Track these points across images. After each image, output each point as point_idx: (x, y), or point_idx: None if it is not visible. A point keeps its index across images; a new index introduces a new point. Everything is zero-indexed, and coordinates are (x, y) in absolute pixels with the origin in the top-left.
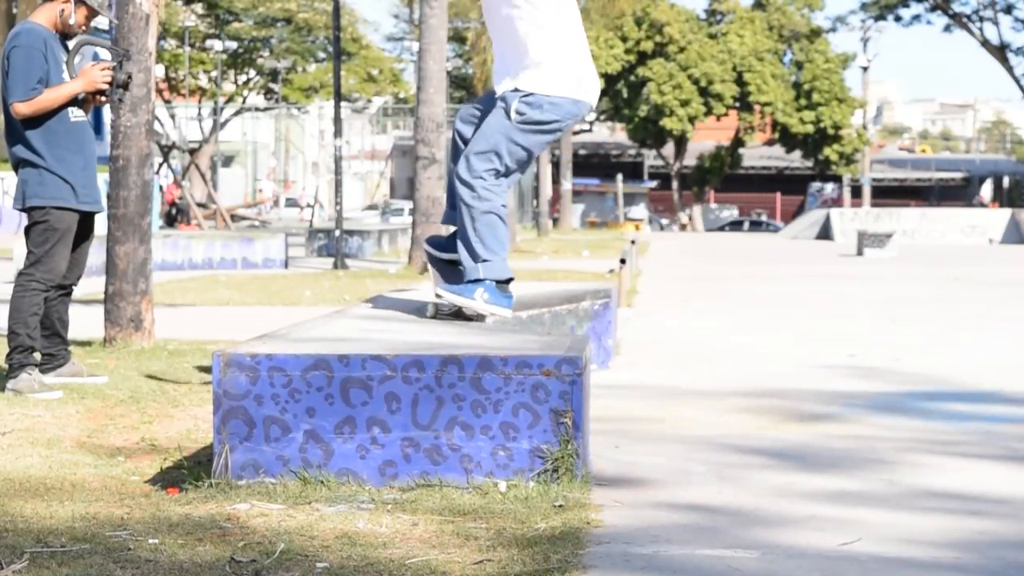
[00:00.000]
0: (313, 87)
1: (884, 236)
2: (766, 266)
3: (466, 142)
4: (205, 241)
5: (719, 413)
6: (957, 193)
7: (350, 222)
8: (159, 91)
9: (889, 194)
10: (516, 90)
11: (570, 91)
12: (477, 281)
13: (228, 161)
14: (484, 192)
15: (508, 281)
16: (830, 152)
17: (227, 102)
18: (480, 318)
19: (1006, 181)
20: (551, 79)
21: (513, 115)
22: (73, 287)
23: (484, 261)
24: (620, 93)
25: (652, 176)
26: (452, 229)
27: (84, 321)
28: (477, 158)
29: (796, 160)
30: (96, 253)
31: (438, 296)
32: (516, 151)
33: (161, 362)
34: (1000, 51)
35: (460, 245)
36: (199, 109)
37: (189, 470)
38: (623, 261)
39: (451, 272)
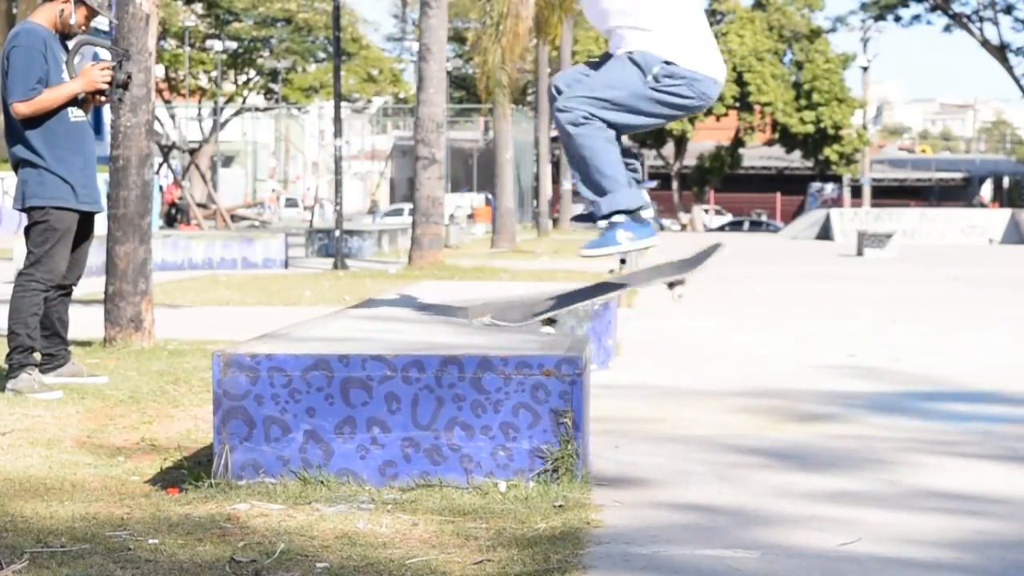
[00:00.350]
0: (313, 87)
1: (884, 236)
2: (766, 266)
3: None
4: (205, 241)
5: (719, 413)
6: (957, 193)
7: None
8: (159, 91)
9: (889, 194)
10: (656, 55)
11: (715, 70)
12: (611, 225)
13: (228, 161)
14: (584, 120)
15: (639, 209)
16: (830, 152)
17: (227, 102)
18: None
19: (1006, 181)
20: (696, 54)
21: (650, 79)
22: (73, 287)
23: (607, 194)
24: None
25: (652, 176)
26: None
27: (84, 321)
28: (592, 102)
29: (796, 160)
30: (96, 253)
31: (584, 257)
32: (632, 117)
33: (161, 362)
34: (1000, 51)
35: (579, 184)
36: (199, 109)
37: (189, 470)
38: (623, 261)
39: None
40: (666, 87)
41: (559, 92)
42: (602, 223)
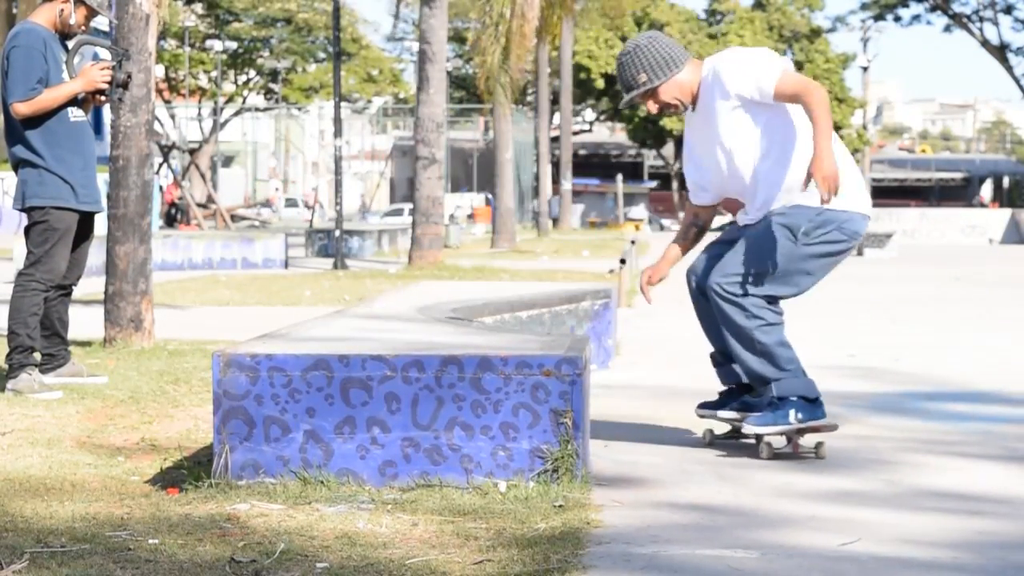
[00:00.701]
0: (313, 87)
1: (884, 236)
2: None
3: (707, 294)
4: (205, 241)
5: None
6: (957, 193)
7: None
8: (159, 91)
9: (889, 194)
10: (798, 206)
11: (864, 204)
12: (782, 400)
13: (228, 161)
14: (757, 310)
15: (815, 400)
16: None
17: (227, 102)
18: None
19: (1006, 181)
20: (847, 191)
21: (801, 236)
22: (73, 287)
23: (779, 380)
24: (620, 93)
25: (652, 176)
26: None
27: (84, 321)
28: (742, 282)
29: None
30: (96, 253)
31: (749, 433)
32: (798, 279)
33: (161, 362)
34: (1000, 51)
35: (744, 367)
36: (199, 109)
37: (189, 470)
38: (623, 261)
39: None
40: (816, 239)
41: (696, 276)
42: (776, 393)
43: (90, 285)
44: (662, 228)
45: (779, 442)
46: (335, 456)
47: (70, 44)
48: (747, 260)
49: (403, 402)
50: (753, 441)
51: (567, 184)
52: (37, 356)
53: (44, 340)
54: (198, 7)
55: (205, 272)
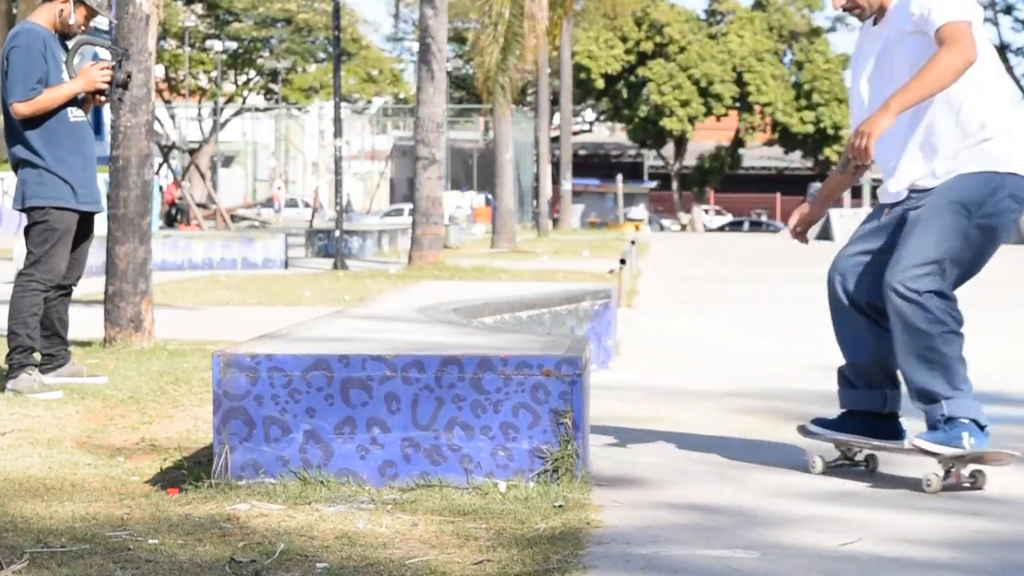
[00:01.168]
0: (313, 87)
1: None
2: (766, 266)
3: (854, 302)
4: (205, 241)
5: (719, 413)
6: None
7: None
8: (159, 91)
9: None
10: (962, 175)
11: None
12: (953, 421)
13: (228, 161)
14: (941, 314)
15: (984, 428)
16: (830, 152)
17: (227, 102)
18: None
19: None
20: (1012, 151)
21: (974, 209)
22: (73, 287)
23: (951, 399)
24: (620, 93)
25: (652, 176)
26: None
27: (84, 321)
28: (924, 275)
29: (796, 160)
30: (96, 253)
31: (917, 446)
32: (971, 255)
33: (161, 362)
34: (1000, 51)
35: (911, 380)
36: (199, 109)
37: (189, 470)
38: (623, 261)
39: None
40: (991, 209)
41: (842, 279)
42: (946, 412)
43: (90, 285)
44: (662, 228)
45: (937, 483)
46: (335, 456)
47: (70, 44)
48: (924, 250)
49: (403, 402)
50: (863, 468)
51: (567, 184)
52: (37, 356)
53: (44, 340)
54: (198, 7)
55: (205, 272)
